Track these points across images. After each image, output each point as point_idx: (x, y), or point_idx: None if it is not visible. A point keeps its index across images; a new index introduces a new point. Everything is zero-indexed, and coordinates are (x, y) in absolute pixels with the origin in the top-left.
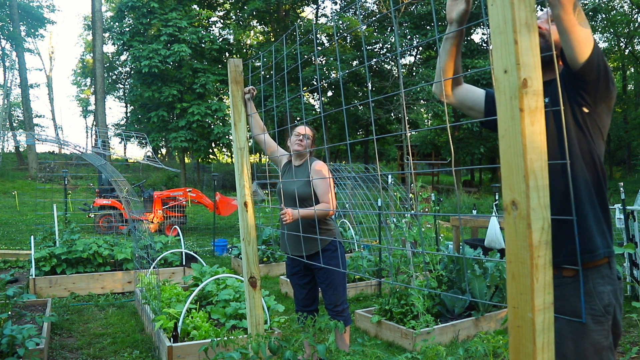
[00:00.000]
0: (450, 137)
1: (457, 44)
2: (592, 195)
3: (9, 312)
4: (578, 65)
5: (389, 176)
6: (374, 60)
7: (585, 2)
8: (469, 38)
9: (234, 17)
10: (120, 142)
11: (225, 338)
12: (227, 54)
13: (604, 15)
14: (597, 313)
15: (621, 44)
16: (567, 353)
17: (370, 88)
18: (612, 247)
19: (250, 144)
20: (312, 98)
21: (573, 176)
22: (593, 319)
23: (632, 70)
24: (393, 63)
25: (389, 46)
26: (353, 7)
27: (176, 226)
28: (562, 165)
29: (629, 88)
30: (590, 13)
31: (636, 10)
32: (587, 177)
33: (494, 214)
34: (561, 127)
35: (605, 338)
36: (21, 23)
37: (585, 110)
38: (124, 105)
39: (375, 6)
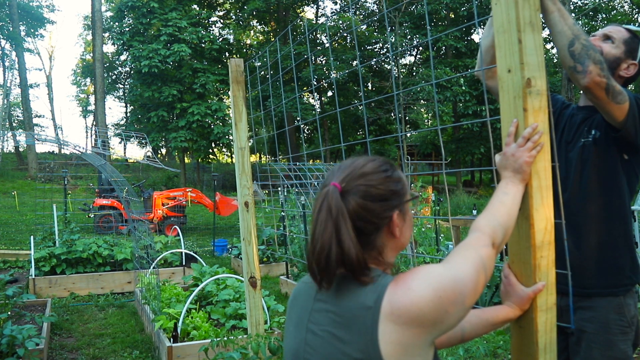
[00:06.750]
0: (441, 138)
1: None
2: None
3: (9, 312)
4: (617, 125)
5: None
6: (374, 60)
7: (585, 2)
8: (470, 38)
9: (234, 17)
10: (120, 142)
11: (225, 338)
12: (227, 54)
13: (604, 15)
14: (624, 324)
15: None
16: None
17: (370, 88)
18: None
19: (250, 144)
20: (312, 98)
21: (615, 218)
22: (620, 330)
23: None
24: (393, 63)
25: (389, 46)
26: (353, 7)
27: (176, 226)
28: (604, 204)
29: (629, 88)
30: (590, 13)
31: (636, 10)
32: (624, 218)
33: None
34: (607, 168)
35: (629, 348)
36: (21, 23)
37: (625, 157)
38: (124, 105)
39: (375, 6)
